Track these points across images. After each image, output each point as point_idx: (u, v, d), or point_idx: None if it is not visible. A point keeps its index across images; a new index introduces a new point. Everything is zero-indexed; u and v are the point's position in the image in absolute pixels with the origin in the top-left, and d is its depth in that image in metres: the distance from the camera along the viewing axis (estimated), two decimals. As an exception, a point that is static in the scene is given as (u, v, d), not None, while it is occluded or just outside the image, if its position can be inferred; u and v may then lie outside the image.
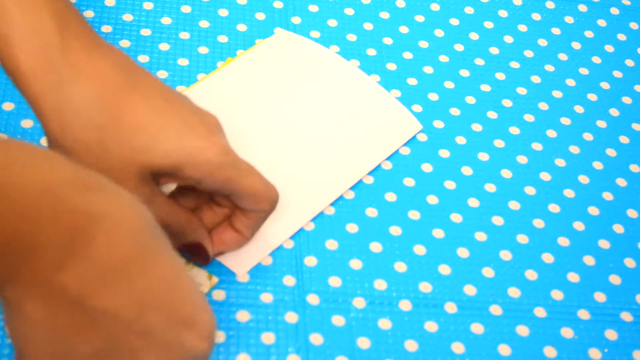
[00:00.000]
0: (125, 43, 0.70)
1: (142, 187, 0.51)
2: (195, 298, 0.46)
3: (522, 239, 0.65)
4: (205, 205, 0.57)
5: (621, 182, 0.69)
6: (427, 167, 0.67)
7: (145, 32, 0.72)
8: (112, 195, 0.43)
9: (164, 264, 0.44)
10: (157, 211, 0.47)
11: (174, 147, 0.51)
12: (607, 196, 0.68)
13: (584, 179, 0.69)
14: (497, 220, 0.65)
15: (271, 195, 0.56)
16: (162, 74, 0.69)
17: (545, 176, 0.69)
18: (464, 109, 0.72)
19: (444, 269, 0.62)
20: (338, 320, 0.58)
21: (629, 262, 0.65)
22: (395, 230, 0.63)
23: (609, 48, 0.78)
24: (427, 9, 0.78)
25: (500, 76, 0.74)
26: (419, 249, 0.63)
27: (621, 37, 0.80)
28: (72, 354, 0.43)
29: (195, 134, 0.52)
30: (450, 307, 0.60)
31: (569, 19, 0.80)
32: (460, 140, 0.69)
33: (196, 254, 0.57)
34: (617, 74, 0.77)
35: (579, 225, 0.66)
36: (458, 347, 0.58)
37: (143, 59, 0.70)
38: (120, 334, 0.43)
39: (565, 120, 0.72)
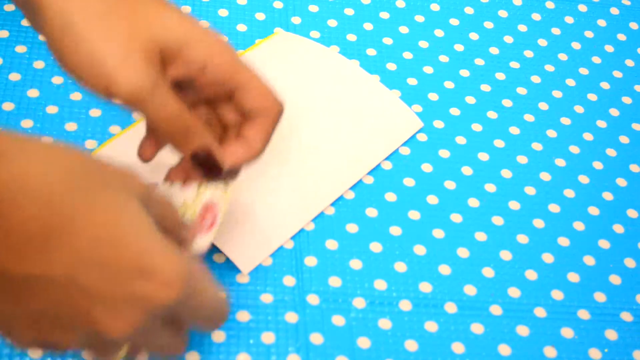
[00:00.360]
0: (125, 43, 0.70)
1: (149, 67, 0.49)
2: (149, 245, 0.43)
3: (522, 239, 0.65)
4: (208, 121, 0.56)
5: (621, 182, 0.69)
6: (427, 167, 0.67)
7: (145, 32, 0.71)
8: (16, 158, 0.41)
9: (101, 215, 0.42)
10: (161, 103, 0.46)
11: (179, 24, 0.51)
12: (607, 196, 0.68)
13: (584, 179, 0.69)
14: (497, 220, 0.65)
15: (276, 97, 0.54)
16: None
17: (545, 176, 0.69)
18: (464, 109, 0.72)
19: (444, 269, 0.62)
20: (338, 320, 0.58)
21: (629, 262, 0.65)
22: (395, 230, 0.63)
23: (609, 48, 0.78)
24: (427, 9, 0.78)
25: (500, 76, 0.74)
26: (419, 249, 0.63)
27: (621, 37, 0.80)
28: (16, 320, 0.42)
29: (197, 23, 0.52)
30: (450, 307, 0.60)
31: (569, 19, 0.80)
32: (460, 140, 0.69)
33: (206, 165, 0.54)
34: (617, 74, 0.77)
35: (579, 225, 0.66)
36: (458, 347, 0.59)
37: (143, 59, 0.70)
38: (62, 295, 0.41)
39: (565, 120, 0.72)
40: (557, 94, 0.74)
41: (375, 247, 0.62)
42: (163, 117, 0.49)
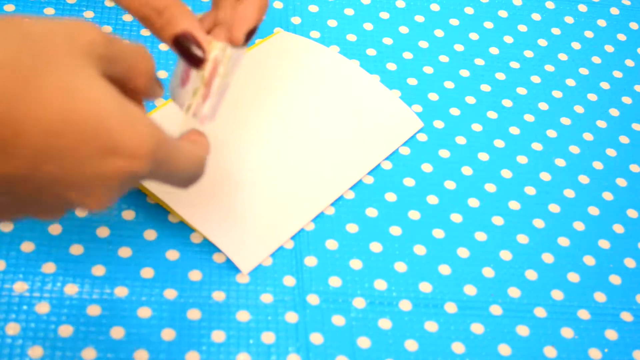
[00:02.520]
0: (125, 43, 0.70)
1: None
2: (110, 121, 0.40)
3: (522, 239, 0.65)
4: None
5: (621, 182, 0.69)
6: (427, 167, 0.67)
7: (146, 32, 0.72)
8: None
9: (53, 99, 0.40)
10: None
11: None
12: (607, 196, 0.68)
13: (584, 179, 0.69)
14: (497, 220, 0.65)
15: None
16: (162, 74, 0.69)
17: (545, 176, 0.69)
18: (464, 109, 0.72)
19: (444, 269, 0.62)
20: (338, 320, 0.59)
21: (629, 262, 0.65)
22: (395, 230, 0.63)
23: (609, 48, 0.78)
24: (427, 9, 0.78)
25: (500, 76, 0.74)
26: (419, 249, 0.63)
27: (621, 37, 0.80)
28: None
29: None
30: (450, 307, 0.60)
31: (569, 19, 0.80)
32: (460, 140, 0.69)
33: (187, 50, 0.52)
34: (617, 74, 0.77)
35: (579, 225, 0.66)
36: (458, 347, 0.59)
37: (143, 59, 0.70)
38: (34, 188, 0.41)
39: (565, 120, 0.72)
40: (557, 94, 0.74)
41: (375, 247, 0.62)
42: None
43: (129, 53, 0.44)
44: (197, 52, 0.52)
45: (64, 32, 0.41)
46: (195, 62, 0.52)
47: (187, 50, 0.52)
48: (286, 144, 0.65)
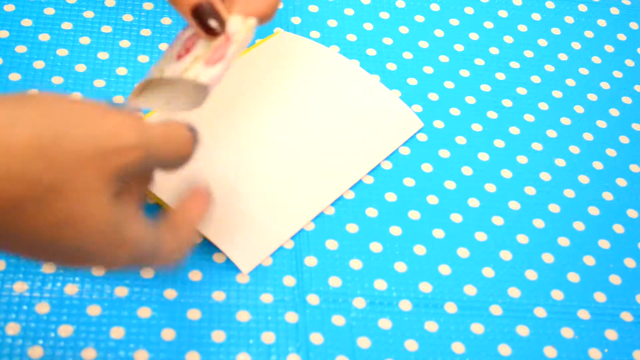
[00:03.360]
0: (125, 43, 0.70)
1: None
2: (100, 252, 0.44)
3: (522, 239, 0.65)
4: None
5: (621, 182, 0.69)
6: (427, 167, 0.67)
7: (146, 32, 0.72)
8: None
9: (48, 228, 0.42)
10: None
11: None
12: (607, 196, 0.68)
13: (584, 179, 0.69)
14: (497, 220, 0.65)
15: None
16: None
17: (545, 176, 0.69)
18: (464, 109, 0.72)
19: (444, 269, 0.62)
20: (338, 320, 0.59)
21: (629, 262, 0.65)
22: (395, 230, 0.63)
23: (609, 48, 0.78)
24: (427, 9, 0.78)
25: (500, 76, 0.74)
26: (419, 249, 0.63)
27: (621, 37, 0.80)
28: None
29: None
30: (450, 307, 0.60)
31: (569, 19, 0.80)
32: (460, 140, 0.69)
33: (205, 20, 0.52)
34: (617, 74, 0.77)
35: (579, 225, 0.66)
36: (458, 347, 0.59)
37: (143, 59, 0.70)
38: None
39: (565, 120, 0.72)
40: (557, 94, 0.74)
41: (375, 247, 0.62)
42: None
43: (166, 149, 0.46)
44: (214, 23, 0.51)
45: (93, 147, 0.42)
46: (212, 33, 0.52)
47: (204, 21, 0.51)
48: (286, 144, 0.65)
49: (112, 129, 0.43)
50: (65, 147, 0.41)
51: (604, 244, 0.65)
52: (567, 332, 0.60)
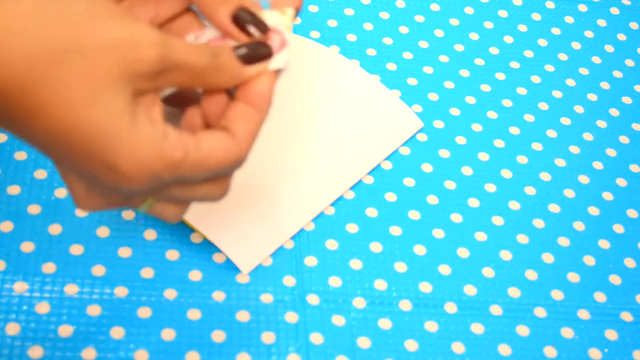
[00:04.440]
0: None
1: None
2: (113, 145, 0.41)
3: (522, 239, 0.65)
4: None
5: (621, 182, 0.69)
6: (427, 167, 0.67)
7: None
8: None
9: (66, 104, 0.40)
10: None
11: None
12: (607, 196, 0.68)
13: (584, 179, 0.69)
14: (497, 220, 0.65)
15: None
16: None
17: (545, 176, 0.69)
18: (464, 109, 0.72)
19: (444, 269, 0.62)
20: (338, 320, 0.59)
21: (629, 262, 0.65)
22: (395, 230, 0.63)
23: (609, 48, 0.78)
24: (427, 9, 0.78)
25: (500, 76, 0.74)
26: (419, 249, 0.63)
27: (621, 37, 0.80)
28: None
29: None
30: (450, 307, 0.60)
31: (569, 19, 0.80)
32: (460, 140, 0.69)
33: (250, 24, 0.49)
34: (617, 74, 0.77)
35: (579, 225, 0.66)
36: (458, 347, 0.59)
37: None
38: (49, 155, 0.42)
39: (565, 120, 0.72)
40: (557, 94, 0.74)
41: (375, 247, 0.62)
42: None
43: (192, 59, 0.43)
44: (254, 29, 0.49)
45: (116, 47, 0.41)
46: (263, 30, 0.49)
47: (245, 27, 0.48)
48: (286, 143, 0.65)
49: (129, 24, 0.41)
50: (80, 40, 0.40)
51: (604, 244, 0.65)
52: (567, 332, 0.60)
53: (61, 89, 0.40)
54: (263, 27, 0.49)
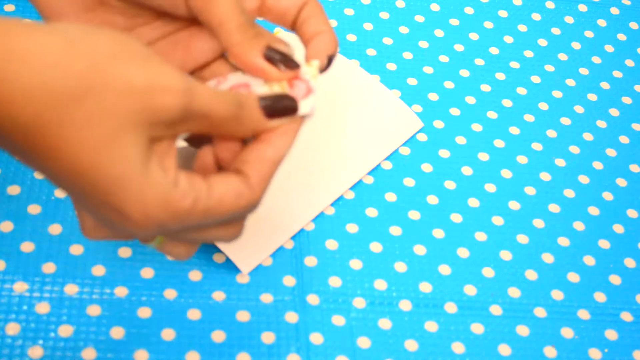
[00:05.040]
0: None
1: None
2: (122, 193, 0.41)
3: (522, 239, 0.65)
4: None
5: (621, 182, 0.69)
6: (427, 167, 0.67)
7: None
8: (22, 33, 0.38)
9: (80, 148, 0.40)
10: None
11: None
12: (607, 196, 0.68)
13: (584, 179, 0.69)
14: (497, 220, 0.65)
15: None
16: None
17: (545, 176, 0.69)
18: (464, 109, 0.72)
19: (444, 269, 0.62)
20: (338, 320, 0.59)
21: (629, 262, 0.65)
22: (395, 230, 0.63)
23: (609, 48, 0.78)
24: (427, 9, 0.78)
25: (500, 76, 0.74)
26: (419, 249, 0.63)
27: (621, 37, 0.80)
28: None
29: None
30: (450, 307, 0.60)
31: (569, 19, 0.80)
32: (460, 140, 0.69)
33: (281, 61, 0.48)
34: (617, 74, 0.77)
35: (579, 225, 0.66)
36: (458, 347, 0.59)
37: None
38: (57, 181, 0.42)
39: (565, 120, 0.72)
40: (557, 94, 0.74)
41: (375, 247, 0.62)
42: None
43: (216, 110, 0.43)
44: (292, 62, 0.48)
45: (139, 91, 0.40)
46: (293, 67, 0.49)
47: (276, 64, 0.48)
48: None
49: (155, 67, 0.40)
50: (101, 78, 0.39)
51: (604, 244, 0.65)
52: (567, 332, 0.60)
53: (80, 129, 0.40)
54: (293, 65, 0.48)
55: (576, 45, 0.78)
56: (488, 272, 0.62)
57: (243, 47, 0.47)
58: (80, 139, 0.40)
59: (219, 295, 0.58)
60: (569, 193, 0.68)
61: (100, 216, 0.42)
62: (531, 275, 0.63)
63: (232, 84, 0.49)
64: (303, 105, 0.49)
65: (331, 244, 0.62)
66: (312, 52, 0.50)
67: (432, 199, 0.66)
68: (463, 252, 0.63)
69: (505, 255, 0.64)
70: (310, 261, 0.61)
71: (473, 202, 0.66)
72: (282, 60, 0.48)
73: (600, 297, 0.63)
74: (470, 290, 0.61)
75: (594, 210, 0.67)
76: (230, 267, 0.60)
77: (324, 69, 0.51)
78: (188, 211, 0.42)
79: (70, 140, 0.40)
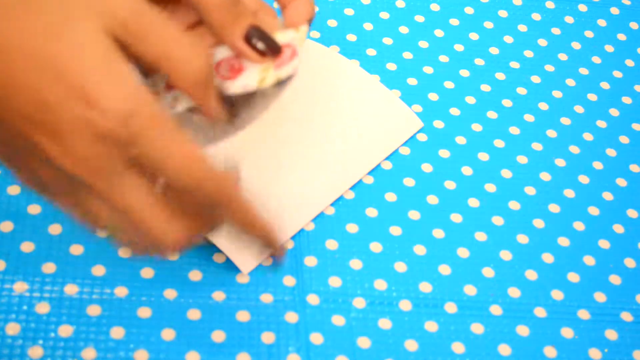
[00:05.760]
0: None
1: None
2: (88, 73, 0.39)
3: (522, 239, 0.65)
4: None
5: (621, 182, 0.69)
6: (427, 167, 0.67)
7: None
8: None
9: (32, 36, 0.39)
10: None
11: None
12: (607, 196, 0.68)
13: (584, 179, 0.69)
14: (497, 220, 0.65)
15: None
16: (162, 74, 0.69)
17: (545, 176, 0.69)
18: (464, 109, 0.72)
19: (444, 269, 0.62)
20: (338, 320, 0.59)
21: (629, 262, 0.65)
22: (395, 230, 0.63)
23: (609, 48, 0.78)
24: (427, 9, 0.78)
25: (500, 76, 0.74)
26: (419, 249, 0.63)
27: (621, 37, 0.80)
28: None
29: None
30: (450, 307, 0.60)
31: (569, 19, 0.80)
32: (460, 140, 0.69)
33: (263, 43, 0.48)
34: (617, 74, 0.77)
35: (579, 225, 0.66)
36: (458, 347, 0.59)
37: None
38: (6, 123, 0.40)
39: (565, 120, 0.72)
40: (557, 94, 0.74)
41: (375, 247, 0.62)
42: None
43: (166, 39, 0.42)
44: (262, 46, 0.48)
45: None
46: (275, 51, 0.48)
47: (256, 46, 0.48)
48: (286, 144, 0.65)
49: None
50: None
51: (604, 244, 0.65)
52: (567, 332, 0.60)
53: (34, 19, 0.38)
54: (275, 47, 0.48)
55: (576, 45, 0.78)
56: (488, 272, 0.62)
57: (224, 28, 0.47)
58: (34, 27, 0.38)
59: (219, 295, 0.58)
60: (569, 193, 0.68)
61: (63, 117, 0.40)
62: (531, 275, 0.63)
63: (218, 60, 0.49)
64: (287, 68, 0.49)
65: (331, 244, 0.62)
66: (291, 18, 0.50)
67: (432, 199, 0.66)
68: (463, 252, 0.63)
69: (505, 255, 0.64)
70: (310, 261, 0.61)
71: (473, 202, 0.66)
72: (264, 41, 0.47)
73: (600, 297, 0.63)
74: (470, 290, 0.61)
75: (594, 210, 0.67)
76: (230, 267, 0.60)
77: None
78: (156, 99, 0.41)
79: (24, 29, 0.39)
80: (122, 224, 0.44)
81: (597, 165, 0.70)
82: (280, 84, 0.52)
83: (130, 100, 0.40)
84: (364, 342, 0.58)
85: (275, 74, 0.50)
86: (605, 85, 0.76)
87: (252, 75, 0.50)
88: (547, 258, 0.64)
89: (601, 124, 0.73)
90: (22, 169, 0.43)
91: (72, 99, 0.39)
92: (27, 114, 0.40)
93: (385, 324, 0.59)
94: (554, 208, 0.67)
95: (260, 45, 0.48)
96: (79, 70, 0.39)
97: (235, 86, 0.50)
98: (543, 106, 0.73)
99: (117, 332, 0.56)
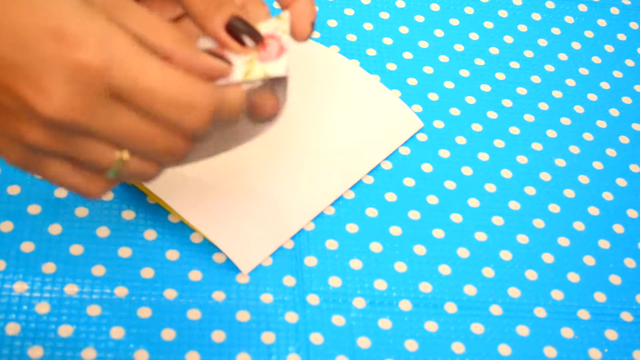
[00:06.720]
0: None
1: None
2: (67, 11, 0.40)
3: (522, 239, 0.65)
4: None
5: (621, 182, 0.69)
6: (427, 167, 0.67)
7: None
8: None
9: None
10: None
11: None
12: (607, 196, 0.68)
13: (584, 179, 0.69)
14: (497, 220, 0.65)
15: None
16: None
17: (545, 176, 0.69)
18: (464, 109, 0.72)
19: (444, 269, 0.62)
20: (338, 320, 0.59)
21: (629, 262, 0.65)
22: (395, 230, 0.63)
23: (609, 48, 0.78)
24: (427, 9, 0.78)
25: (500, 76, 0.74)
26: (419, 249, 0.63)
27: (621, 37, 0.80)
28: None
29: None
30: (450, 307, 0.60)
31: (569, 19, 0.80)
32: (460, 140, 0.70)
33: (241, 32, 0.48)
34: (617, 74, 0.77)
35: (579, 225, 0.66)
36: (458, 347, 0.59)
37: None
38: None
39: (565, 120, 0.73)
40: (557, 94, 0.74)
41: (375, 247, 0.62)
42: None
43: (137, 15, 0.43)
44: (247, 38, 0.48)
45: None
46: (257, 39, 0.48)
47: (239, 37, 0.48)
48: (286, 143, 0.65)
49: None
50: None
51: (604, 244, 0.65)
52: (567, 332, 0.60)
53: None
54: (257, 37, 0.48)
55: (576, 45, 0.78)
56: (488, 272, 0.62)
57: (205, 18, 0.47)
58: None
59: (219, 295, 0.58)
60: (569, 193, 0.68)
61: (38, 55, 0.40)
62: (531, 275, 0.63)
63: (205, 48, 0.48)
64: (275, 65, 0.48)
65: (331, 244, 0.62)
66: (293, 20, 0.50)
67: (432, 199, 0.66)
68: (463, 252, 0.63)
69: (505, 255, 0.64)
70: (310, 261, 0.61)
71: (473, 202, 0.66)
72: (247, 31, 0.47)
73: (600, 297, 0.63)
74: (470, 290, 0.61)
75: (594, 210, 0.67)
76: (230, 267, 0.60)
77: (307, 36, 0.51)
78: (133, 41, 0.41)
79: None
80: (126, 158, 0.44)
81: (597, 165, 0.70)
82: (279, 86, 0.52)
83: (103, 32, 0.40)
84: (364, 342, 0.58)
85: (262, 67, 0.49)
86: (605, 85, 0.76)
87: (237, 69, 0.50)
88: (547, 258, 0.64)
89: (601, 124, 0.73)
90: (11, 142, 0.43)
91: (46, 36, 0.40)
92: (5, 55, 0.40)
93: (385, 324, 0.59)
94: (554, 208, 0.67)
95: (242, 35, 0.48)
96: (54, 10, 0.40)
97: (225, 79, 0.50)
98: (543, 106, 0.73)
99: (117, 332, 0.56)
